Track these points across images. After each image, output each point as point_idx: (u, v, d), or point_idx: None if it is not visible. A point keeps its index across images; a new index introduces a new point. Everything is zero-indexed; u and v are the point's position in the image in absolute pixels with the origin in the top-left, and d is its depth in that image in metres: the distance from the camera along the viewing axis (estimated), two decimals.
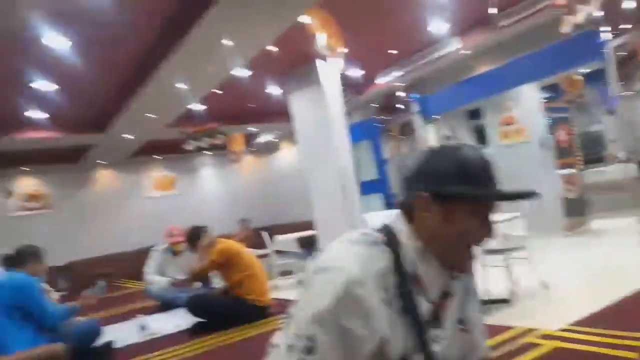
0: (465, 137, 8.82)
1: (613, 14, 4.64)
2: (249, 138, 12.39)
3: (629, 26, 4.49)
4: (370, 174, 8.78)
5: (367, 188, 8.12)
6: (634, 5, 4.44)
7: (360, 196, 6.90)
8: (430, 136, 8.09)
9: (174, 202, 12.34)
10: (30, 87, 6.17)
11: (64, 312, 3.43)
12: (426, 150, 1.09)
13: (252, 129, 11.06)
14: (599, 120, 9.06)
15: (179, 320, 4.61)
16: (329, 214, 6.71)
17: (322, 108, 6.70)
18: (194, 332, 4.17)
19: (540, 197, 1.05)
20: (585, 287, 3.78)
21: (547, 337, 2.51)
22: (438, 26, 6.68)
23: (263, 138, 12.46)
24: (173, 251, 5.71)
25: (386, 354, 0.97)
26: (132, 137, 9.09)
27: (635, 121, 4.50)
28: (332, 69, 6.68)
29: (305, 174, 7.26)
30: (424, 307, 1.05)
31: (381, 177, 8.13)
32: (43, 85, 6.15)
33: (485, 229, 1.04)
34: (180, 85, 6.41)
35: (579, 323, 2.63)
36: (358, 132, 8.39)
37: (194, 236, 4.48)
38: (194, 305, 4.27)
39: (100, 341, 3.70)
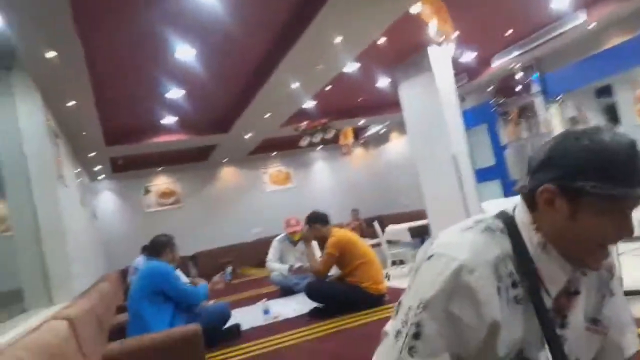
0: (594, 118, 8.04)
1: None
2: (359, 131, 12.54)
3: None
4: (487, 160, 8.40)
5: (483, 175, 7.79)
6: None
7: (476, 184, 6.66)
8: (553, 118, 7.51)
9: (290, 195, 12.96)
10: (165, 96, 6.91)
11: (202, 292, 3.82)
12: (560, 135, 0.96)
13: (361, 121, 11.17)
14: None
15: (298, 305, 4.85)
16: (442, 203, 6.57)
17: (433, 95, 6.57)
18: (312, 316, 4.36)
19: None
20: None
21: None
22: (560, 1, 6.17)
23: (372, 130, 12.53)
24: (291, 240, 6.02)
25: (497, 344, 0.92)
26: (251, 136, 9.69)
27: None
28: (443, 55, 6.51)
29: (417, 163, 7.17)
30: (546, 302, 0.97)
31: (498, 163, 7.76)
32: (174, 93, 6.84)
33: (622, 230, 0.91)
34: (294, 86, 6.71)
35: None
36: (473, 118, 8.08)
37: (315, 219, 4.62)
38: (312, 291, 4.47)
39: (230, 323, 4.06)
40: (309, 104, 8.37)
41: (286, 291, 5.82)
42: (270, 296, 5.60)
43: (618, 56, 6.51)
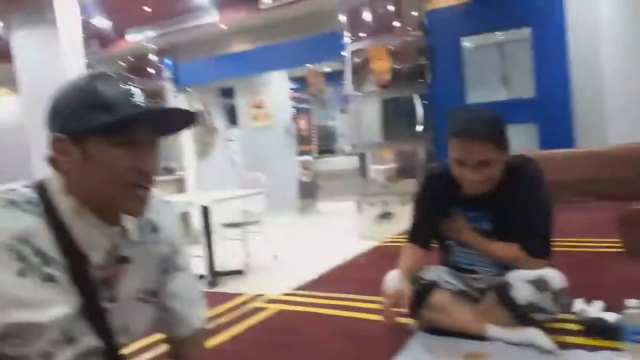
0: (217, 115, 8.85)
1: (355, 22, 5.24)
2: None
3: (365, 35, 5.13)
4: None
5: None
6: (371, 17, 5.11)
7: None
8: (181, 106, 7.81)
9: None
10: None
11: None
12: (63, 85, 0.92)
13: None
14: (333, 116, 10.35)
15: None
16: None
17: (56, 53, 5.71)
18: None
19: (195, 120, 0.98)
20: (309, 258, 4.21)
21: (272, 301, 2.67)
22: None
23: None
24: None
25: (39, 326, 0.83)
26: None
27: (360, 120, 5.20)
28: (72, 10, 5.74)
29: (29, 131, 6.10)
30: (93, 272, 0.91)
31: None
32: None
33: (139, 163, 0.89)
34: None
35: (300, 288, 2.88)
36: None
37: None
38: None
39: None
40: None
41: None
42: None
43: (241, 62, 7.34)
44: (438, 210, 1.98)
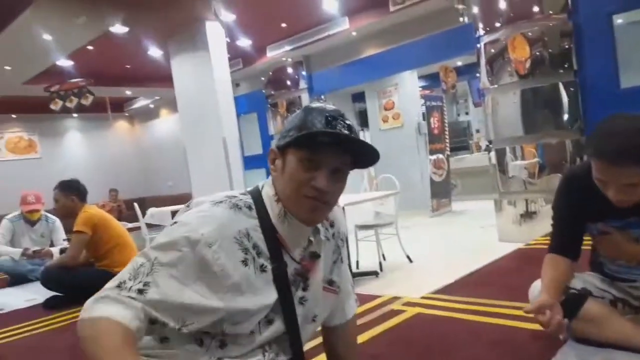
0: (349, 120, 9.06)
1: (488, 12, 5.01)
2: (124, 102, 11.51)
3: (500, 24, 4.88)
4: (255, 148, 8.64)
5: (251, 163, 8.00)
6: (505, 6, 4.84)
7: (244, 170, 6.77)
8: None
9: (33, 167, 11.07)
10: None
11: None
12: (297, 112, 1.09)
13: (128, 92, 10.25)
14: (466, 111, 9.94)
15: (32, 294, 4.17)
16: (208, 187, 6.49)
17: (207, 75, 6.40)
18: (49, 306, 3.78)
19: (377, 159, 1.08)
20: (444, 261, 4.12)
21: (410, 304, 2.69)
22: (330, 4, 6.69)
23: (140, 103, 11.65)
24: (28, 219, 5.09)
25: (248, 308, 0.99)
26: None
27: (497, 113, 4.95)
28: (220, 34, 6.39)
29: (186, 144, 6.93)
30: (292, 267, 1.07)
31: (265, 152, 8.08)
32: None
33: (316, 180, 1.00)
34: (46, 37, 5.68)
35: (438, 292, 2.85)
36: (245, 104, 8.17)
37: (72, 187, 3.86)
38: (49, 278, 3.84)
39: None
40: (65, 63, 7.25)
41: (17, 279, 4.90)
42: None
43: (371, 66, 7.46)
44: (582, 216, 1.80)
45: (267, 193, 1.07)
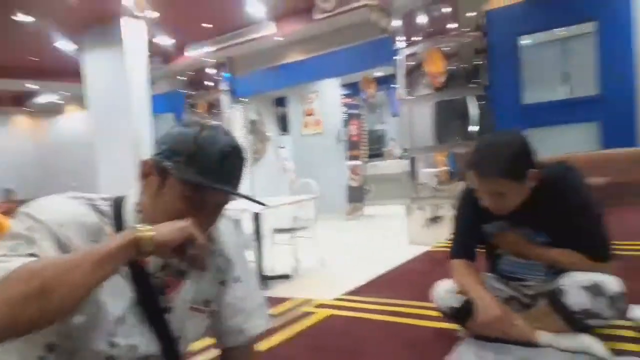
0: (270, 123, 9.06)
1: (408, 26, 5.22)
2: (27, 96, 10.64)
3: (419, 38, 5.10)
4: None
5: None
6: (425, 20, 5.07)
7: None
8: (236, 117, 8.07)
9: None
10: None
11: None
12: (184, 122, 1.00)
13: (30, 85, 9.48)
14: (384, 120, 10.29)
15: None
16: (119, 188, 6.14)
17: (121, 72, 6.08)
18: None
19: (265, 207, 1.04)
20: (358, 263, 4.21)
21: (322, 306, 2.70)
22: (255, 8, 6.62)
23: (44, 98, 10.82)
24: None
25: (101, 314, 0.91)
26: None
27: (413, 123, 5.15)
28: (138, 31, 6.11)
29: (95, 143, 6.53)
30: (155, 281, 0.99)
31: None
32: None
33: (202, 218, 0.93)
34: None
35: (350, 293, 2.89)
36: (161, 103, 7.86)
37: None
38: None
39: None
40: None
41: None
42: None
43: (294, 71, 7.49)
44: (480, 223, 1.93)
45: (132, 200, 1.00)
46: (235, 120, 8.06)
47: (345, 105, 7.81)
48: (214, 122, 1.05)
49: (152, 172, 0.96)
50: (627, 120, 5.06)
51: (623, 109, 5.06)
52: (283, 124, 9.25)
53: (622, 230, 3.53)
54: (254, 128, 8.49)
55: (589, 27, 5.28)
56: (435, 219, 4.78)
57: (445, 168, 5.05)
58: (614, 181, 4.74)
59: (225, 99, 8.04)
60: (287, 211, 5.07)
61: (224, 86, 8.04)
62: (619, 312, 1.67)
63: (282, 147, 8.97)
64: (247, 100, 8.24)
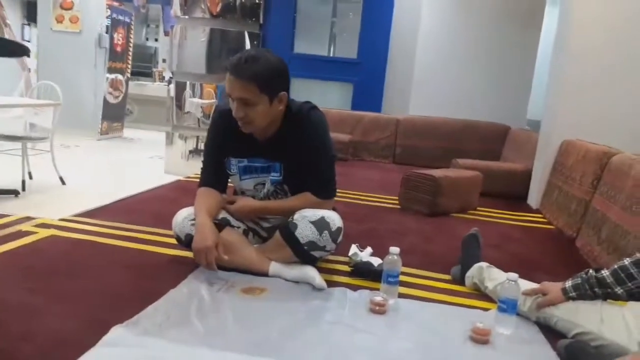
0: (10, 7, 7.34)
1: None
2: None
3: None
4: None
5: None
6: None
7: None
8: None
9: None
10: None
11: None
12: None
13: None
14: (156, 37, 9.45)
15: None
16: None
17: None
18: None
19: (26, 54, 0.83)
20: (103, 187, 3.84)
21: (43, 225, 2.36)
22: None
23: None
24: None
25: None
26: None
27: (184, 45, 4.82)
28: None
29: None
30: None
31: None
32: None
33: None
34: None
35: (80, 215, 2.59)
36: None
37: None
38: None
39: None
40: None
41: None
42: None
43: None
44: (224, 152, 1.96)
45: None
46: None
47: (112, 8, 6.82)
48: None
49: None
50: (377, 86, 5.80)
51: (375, 75, 5.76)
52: (30, 12, 7.66)
53: (354, 183, 4.09)
54: None
55: None
56: (196, 151, 4.67)
57: (213, 101, 4.93)
58: (355, 139, 5.42)
59: None
60: (22, 115, 4.30)
61: None
62: (337, 244, 1.90)
63: (27, 41, 7.55)
64: None
